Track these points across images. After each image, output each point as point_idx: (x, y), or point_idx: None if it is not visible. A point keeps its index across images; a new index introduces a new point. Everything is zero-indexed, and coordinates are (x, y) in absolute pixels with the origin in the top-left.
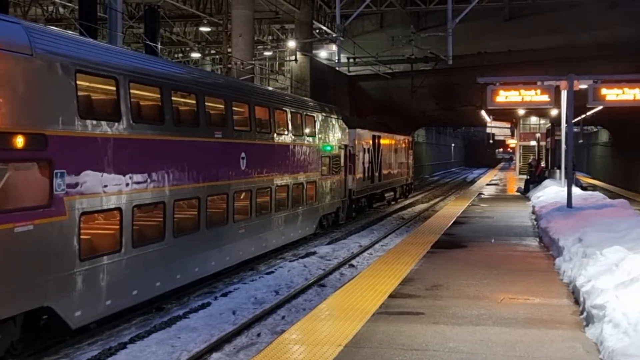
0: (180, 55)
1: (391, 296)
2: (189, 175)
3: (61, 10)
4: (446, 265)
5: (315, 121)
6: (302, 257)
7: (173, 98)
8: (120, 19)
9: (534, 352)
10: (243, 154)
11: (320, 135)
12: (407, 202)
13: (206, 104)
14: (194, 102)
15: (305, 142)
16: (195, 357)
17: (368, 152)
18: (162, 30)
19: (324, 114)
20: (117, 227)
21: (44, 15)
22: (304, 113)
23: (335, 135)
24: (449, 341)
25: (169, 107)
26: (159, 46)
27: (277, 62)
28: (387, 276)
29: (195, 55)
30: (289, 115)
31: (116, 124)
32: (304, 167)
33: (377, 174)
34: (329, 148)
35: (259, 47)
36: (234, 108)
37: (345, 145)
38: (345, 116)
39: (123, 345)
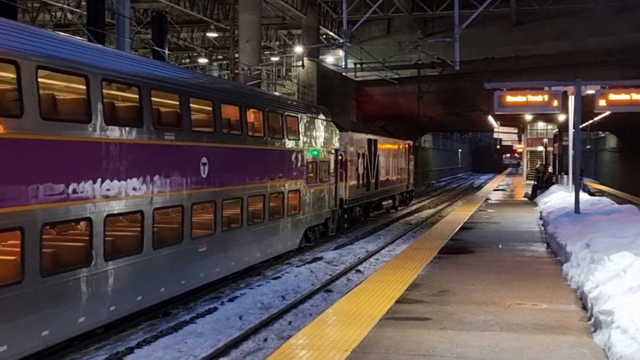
0: (187, 60)
1: (398, 302)
2: (127, 185)
3: (69, 16)
4: (453, 271)
5: (299, 122)
6: (309, 263)
7: (106, 91)
8: (128, 25)
9: (541, 358)
10: (204, 159)
11: (305, 139)
12: (414, 207)
13: (153, 99)
14: (135, 96)
15: (287, 145)
16: None
17: (363, 157)
18: (169, 36)
19: (309, 114)
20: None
21: (52, 20)
22: (285, 113)
23: (323, 138)
24: (457, 347)
25: (96, 102)
26: (167, 52)
27: (284, 68)
28: (394, 282)
29: (203, 60)
30: (266, 115)
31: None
32: (285, 174)
33: (373, 181)
34: (315, 153)
35: (266, 52)
36: (192, 105)
37: (336, 150)
38: (337, 118)
39: (130, 350)
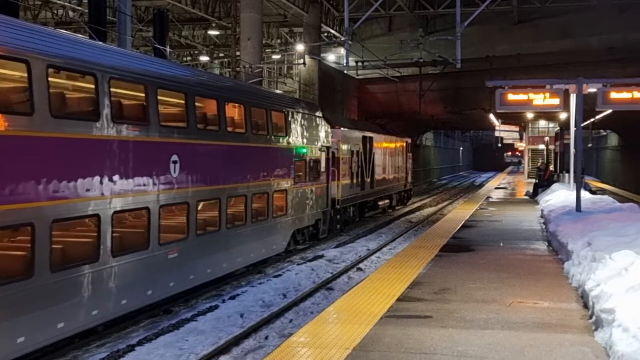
0: (188, 58)
1: (399, 299)
2: (80, 186)
3: (71, 13)
4: (454, 269)
5: (286, 118)
6: (310, 261)
7: (53, 79)
8: (130, 23)
9: (542, 357)
10: (175, 157)
11: (292, 136)
12: (415, 205)
13: (113, 90)
14: (91, 87)
15: (271, 143)
16: (203, 359)
17: (357, 155)
18: (171, 34)
19: (297, 110)
20: None
21: (53, 18)
22: (270, 108)
23: (313, 135)
24: (457, 345)
25: (42, 93)
26: (168, 49)
27: (286, 66)
28: (395, 279)
29: (204, 58)
30: (248, 110)
31: None
32: (270, 173)
33: (368, 180)
34: (304, 150)
35: (267, 50)
36: (160, 98)
37: (328, 148)
38: (329, 114)
39: (131, 348)
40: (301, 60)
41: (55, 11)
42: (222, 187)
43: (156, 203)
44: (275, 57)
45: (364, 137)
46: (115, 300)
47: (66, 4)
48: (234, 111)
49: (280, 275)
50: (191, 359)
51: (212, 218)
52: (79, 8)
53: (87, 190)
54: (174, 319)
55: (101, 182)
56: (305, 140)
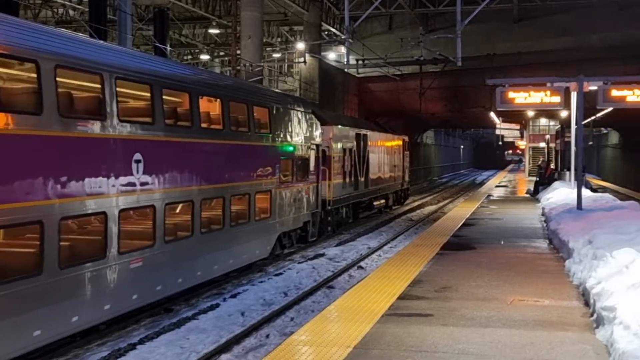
0: (189, 57)
1: (400, 298)
2: (23, 187)
3: (71, 12)
4: (455, 267)
5: (270, 114)
6: (311, 259)
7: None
8: (130, 21)
9: (543, 354)
10: (138, 156)
11: (277, 133)
12: (416, 204)
13: (59, 80)
14: (33, 76)
15: (253, 140)
16: (204, 358)
17: (350, 154)
18: (171, 32)
19: (284, 105)
20: None
21: (54, 17)
22: (252, 103)
23: (301, 132)
24: (458, 343)
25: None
26: (169, 48)
27: (286, 64)
28: (396, 278)
29: (205, 57)
30: (226, 105)
31: None
32: (251, 173)
33: (362, 179)
34: (291, 148)
35: (267, 49)
36: (119, 90)
37: (317, 146)
38: (319, 110)
39: (132, 346)
40: (302, 59)
41: (55, 10)
42: (196, 188)
43: (114, 207)
44: (276, 55)
45: (358, 135)
46: (63, 315)
47: (66, 2)
48: (209, 106)
49: (281, 273)
50: (192, 358)
51: (185, 223)
52: (80, 7)
53: (28, 193)
54: (175, 318)
55: (45, 185)
56: (292, 138)
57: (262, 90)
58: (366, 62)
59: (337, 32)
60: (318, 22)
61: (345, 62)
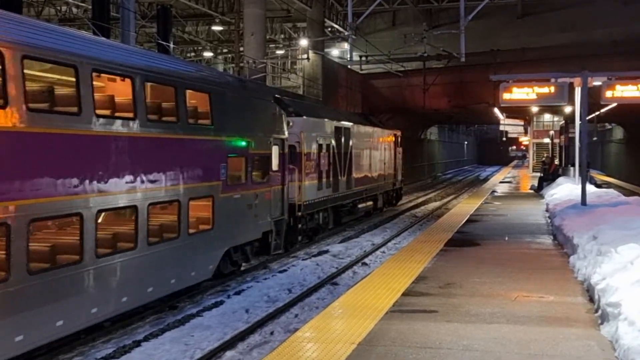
0: (192, 54)
1: (404, 294)
2: None
3: (74, 10)
4: (459, 263)
5: (212, 101)
6: (315, 256)
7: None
8: (133, 19)
9: (548, 350)
10: None
11: (223, 124)
12: (420, 200)
13: None
14: None
15: (185, 133)
16: (208, 355)
17: (328, 150)
18: (174, 30)
19: (231, 90)
20: None
21: (57, 15)
22: (183, 86)
23: (260, 124)
24: (463, 339)
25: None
26: (172, 45)
27: (289, 61)
28: (400, 274)
29: (208, 54)
30: (140, 87)
31: None
32: (182, 175)
33: (343, 179)
34: (243, 144)
35: (270, 45)
36: None
37: (283, 140)
38: (283, 98)
39: (137, 343)
40: (305, 56)
41: (58, 8)
42: (88, 196)
43: None
44: (279, 52)
45: (338, 128)
46: None
47: (70, 0)
48: (112, 88)
49: (285, 270)
50: (197, 355)
51: (67, 245)
52: (83, 4)
53: None
54: (179, 315)
55: None
56: (245, 131)
57: (199, 70)
58: (369, 58)
59: (341, 29)
60: (321, 19)
61: (349, 59)
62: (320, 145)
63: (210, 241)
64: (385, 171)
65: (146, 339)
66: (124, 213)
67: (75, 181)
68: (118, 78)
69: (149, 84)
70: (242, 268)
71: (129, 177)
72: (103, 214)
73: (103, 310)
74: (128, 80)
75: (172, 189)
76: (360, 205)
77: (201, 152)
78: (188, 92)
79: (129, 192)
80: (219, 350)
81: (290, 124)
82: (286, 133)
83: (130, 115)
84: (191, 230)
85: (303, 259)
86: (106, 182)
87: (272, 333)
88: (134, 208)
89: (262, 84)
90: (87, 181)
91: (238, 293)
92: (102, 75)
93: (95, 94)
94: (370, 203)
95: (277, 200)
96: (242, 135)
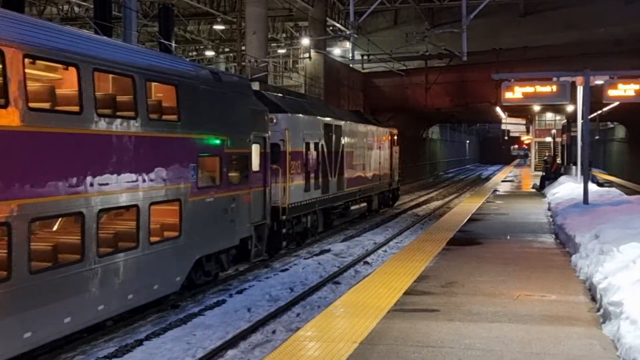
0: (194, 53)
1: (406, 293)
2: None
3: (76, 9)
4: (461, 262)
5: (178, 94)
6: (317, 255)
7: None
8: (135, 18)
9: (550, 349)
10: None
11: (193, 120)
12: (422, 199)
13: None
14: None
15: (145, 130)
16: (210, 354)
17: (317, 149)
18: (176, 29)
19: (203, 82)
20: None
21: (59, 14)
22: (144, 76)
23: (237, 120)
24: (465, 338)
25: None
26: (174, 44)
27: (291, 60)
28: (402, 273)
29: (210, 53)
30: (88, 77)
31: None
32: (141, 176)
33: (334, 180)
34: (217, 142)
35: (272, 44)
36: None
37: (264, 138)
38: (266, 92)
39: (139, 342)
40: (307, 55)
41: (60, 7)
42: (17, 202)
43: None
44: (281, 51)
45: (328, 126)
46: None
47: None
48: (53, 77)
49: (287, 269)
50: (199, 353)
51: None
52: (84, 3)
53: None
54: (181, 314)
55: None
56: (220, 128)
57: (163, 59)
58: (371, 57)
59: (342, 28)
60: (323, 18)
61: (351, 58)
62: (307, 144)
63: (177, 250)
64: (381, 171)
65: (148, 338)
66: (68, 221)
67: (7, 187)
68: (60, 67)
69: (100, 75)
70: (223, 276)
71: (71, 180)
72: (38, 223)
73: (37, 336)
74: (73, 70)
75: (128, 192)
76: (353, 207)
77: (166, 151)
78: (150, 84)
79: (72, 196)
80: (221, 349)
81: (274, 120)
82: (268, 130)
83: (75, 109)
84: (153, 239)
85: (305, 258)
86: (43, 186)
87: (274, 332)
88: (79, 215)
89: (242, 77)
90: (22, 185)
91: (240, 292)
92: (38, 62)
93: (27, 83)
94: (364, 205)
95: (258, 204)
96: (216, 133)
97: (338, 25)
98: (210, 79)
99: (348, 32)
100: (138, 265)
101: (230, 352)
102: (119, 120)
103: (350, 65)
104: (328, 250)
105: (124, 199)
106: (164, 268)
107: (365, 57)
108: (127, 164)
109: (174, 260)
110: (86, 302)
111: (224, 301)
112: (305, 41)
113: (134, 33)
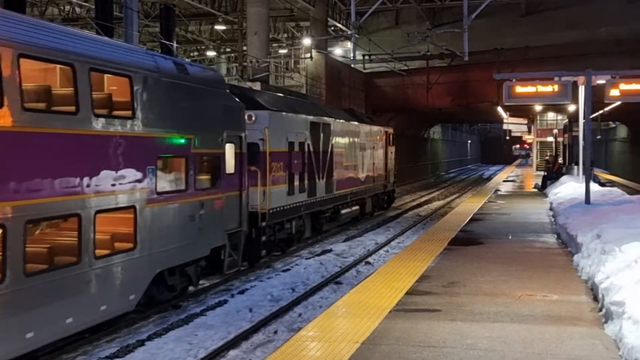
0: (195, 53)
1: (408, 293)
2: None
3: (77, 9)
4: (463, 262)
5: (133, 86)
6: (318, 255)
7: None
8: (136, 18)
9: (552, 349)
10: None
11: (151, 117)
12: (423, 199)
13: None
14: None
15: (90, 127)
16: (212, 354)
17: (302, 148)
18: (177, 29)
19: (164, 74)
20: None
21: (60, 15)
22: (88, 66)
23: (207, 118)
24: (466, 338)
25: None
26: (175, 45)
27: (293, 60)
28: (404, 273)
29: (211, 53)
30: (13, 65)
31: None
32: (84, 180)
33: (322, 182)
34: (182, 141)
35: (274, 45)
36: None
37: (241, 137)
38: (243, 87)
39: (141, 343)
40: (308, 55)
41: (62, 7)
42: None
43: None
44: (282, 51)
45: (315, 124)
46: None
47: (73, 0)
48: None
49: (288, 269)
50: (201, 354)
51: None
52: (86, 4)
53: None
54: (183, 314)
55: None
56: (185, 125)
57: (113, 46)
58: (372, 57)
59: (344, 28)
60: (324, 18)
61: (352, 58)
62: (291, 143)
63: (131, 264)
64: (375, 172)
65: (150, 338)
66: None
67: None
68: (40, 65)
69: (27, 62)
70: (193, 290)
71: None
72: None
73: None
74: None
75: (66, 199)
76: (344, 211)
77: (115, 151)
78: (97, 75)
79: None
80: (222, 350)
81: (253, 118)
82: (245, 129)
83: None
84: (100, 252)
85: (306, 258)
86: None
87: (275, 332)
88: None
89: (213, 70)
90: None
91: (241, 292)
92: None
93: None
94: (356, 208)
95: (232, 209)
96: (180, 131)
97: (339, 25)
98: (173, 70)
99: (349, 32)
100: (79, 283)
101: (232, 352)
102: (55, 116)
103: (352, 66)
104: (330, 250)
105: (60, 207)
106: (113, 285)
107: (367, 57)
108: (65, 166)
109: (127, 275)
110: (8, 330)
111: (225, 301)
112: (307, 41)
113: (135, 33)
